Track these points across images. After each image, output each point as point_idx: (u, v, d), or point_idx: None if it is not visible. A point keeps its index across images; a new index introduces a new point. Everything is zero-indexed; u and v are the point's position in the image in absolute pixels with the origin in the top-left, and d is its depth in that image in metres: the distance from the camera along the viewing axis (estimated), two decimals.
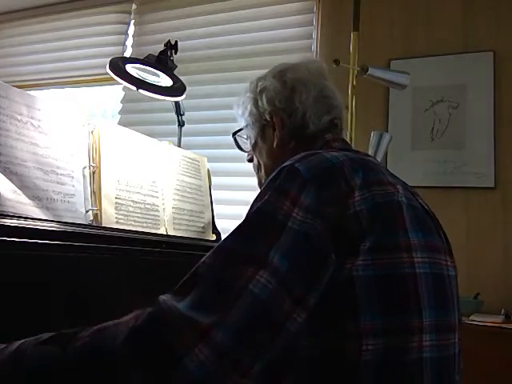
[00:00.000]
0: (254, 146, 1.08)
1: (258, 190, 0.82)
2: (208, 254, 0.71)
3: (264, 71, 1.11)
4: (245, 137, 1.14)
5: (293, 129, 1.00)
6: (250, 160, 1.13)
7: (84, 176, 1.20)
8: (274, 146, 1.02)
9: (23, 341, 0.70)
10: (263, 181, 1.07)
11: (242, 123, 1.11)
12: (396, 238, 0.77)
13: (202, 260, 0.70)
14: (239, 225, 0.74)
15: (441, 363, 0.77)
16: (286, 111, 1.00)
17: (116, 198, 1.25)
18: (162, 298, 0.68)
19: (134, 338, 0.64)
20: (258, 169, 1.10)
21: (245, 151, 1.16)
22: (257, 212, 0.74)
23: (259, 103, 1.03)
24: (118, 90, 3.12)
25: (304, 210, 0.72)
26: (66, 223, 1.00)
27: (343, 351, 0.72)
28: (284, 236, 0.70)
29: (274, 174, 0.80)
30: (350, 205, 0.75)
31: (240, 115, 1.10)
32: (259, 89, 1.04)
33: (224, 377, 0.61)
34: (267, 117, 1.02)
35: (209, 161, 1.69)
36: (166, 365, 0.61)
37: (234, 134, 1.18)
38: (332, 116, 1.01)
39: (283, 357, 0.70)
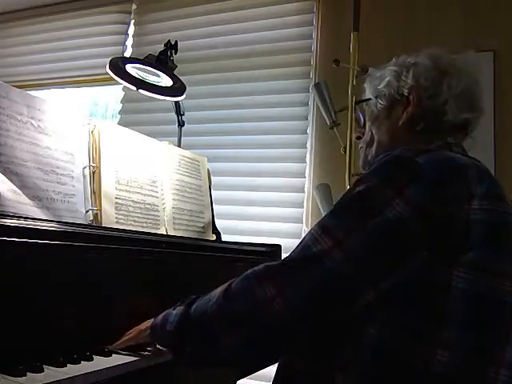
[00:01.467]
0: (374, 120, 1.02)
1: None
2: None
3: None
4: (365, 109, 1.08)
5: (428, 111, 0.94)
6: (359, 137, 1.09)
7: (84, 176, 1.20)
8: (400, 123, 0.96)
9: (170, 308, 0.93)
10: (369, 157, 1.03)
11: (370, 94, 1.04)
12: (504, 263, 0.75)
13: (311, 228, 0.82)
14: (340, 201, 0.81)
15: None
16: (428, 91, 0.94)
17: (116, 198, 1.25)
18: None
19: (224, 294, 0.84)
20: (367, 144, 1.04)
21: (360, 125, 1.11)
22: (362, 192, 0.77)
23: (402, 76, 0.98)
24: (117, 90, 3.12)
25: (406, 202, 0.72)
26: (66, 223, 1.00)
27: (415, 354, 0.70)
28: (373, 221, 0.73)
29: (386, 160, 0.78)
30: (465, 210, 0.73)
31: (372, 86, 1.04)
32: (407, 64, 0.99)
33: (292, 326, 0.76)
34: (405, 91, 0.97)
35: (209, 161, 1.69)
36: (250, 310, 0.77)
37: (357, 102, 1.12)
38: (472, 115, 0.95)
39: (350, 338, 0.75)
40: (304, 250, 0.78)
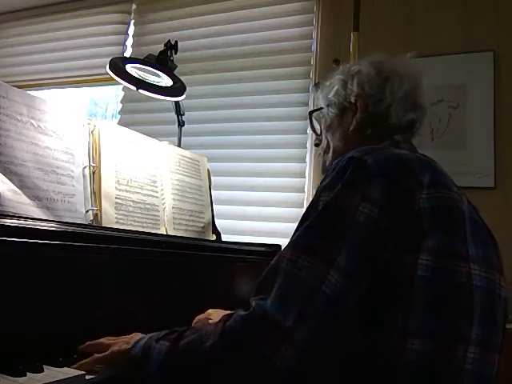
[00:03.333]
0: (329, 128, 1.07)
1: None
2: (285, 247, 0.79)
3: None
4: (319, 120, 1.13)
5: (374, 116, 0.99)
6: (317, 144, 1.13)
7: (84, 176, 1.20)
8: (350, 129, 1.01)
9: (150, 335, 0.86)
10: (327, 164, 1.07)
11: (321, 103, 1.09)
12: (457, 245, 0.78)
13: (280, 254, 0.78)
14: (311, 218, 0.78)
15: (479, 378, 0.76)
16: (373, 97, 1.00)
17: (116, 198, 1.25)
18: (253, 302, 0.75)
19: (223, 341, 0.74)
20: (325, 151, 1.09)
21: (316, 133, 1.15)
22: (327, 206, 0.77)
23: (348, 85, 1.03)
24: (118, 90, 3.12)
25: (371, 203, 0.75)
26: (66, 223, 1.00)
27: (388, 346, 0.72)
28: (351, 231, 0.74)
29: (341, 164, 0.80)
30: (416, 200, 0.76)
31: (323, 96, 1.09)
32: (352, 72, 1.04)
33: (305, 367, 0.71)
34: (352, 99, 1.02)
35: (209, 161, 1.69)
36: (254, 362, 0.71)
37: (311, 113, 1.16)
38: (416, 116, 1.00)
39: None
40: (293, 280, 0.73)
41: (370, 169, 0.77)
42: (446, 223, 0.78)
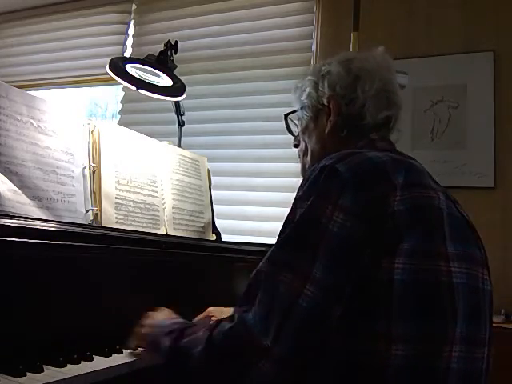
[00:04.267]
0: (305, 130, 1.06)
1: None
2: (263, 259, 0.80)
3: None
4: (296, 121, 1.12)
5: (348, 117, 0.98)
6: (296, 145, 1.12)
7: (84, 176, 1.20)
8: (326, 131, 1.00)
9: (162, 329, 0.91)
10: (307, 167, 1.07)
11: (296, 106, 1.08)
12: (435, 245, 0.77)
13: (259, 267, 0.80)
14: (287, 231, 0.79)
15: (467, 376, 0.76)
16: (345, 98, 0.98)
17: (116, 198, 1.25)
18: (236, 314, 0.79)
19: (208, 350, 0.78)
20: (303, 154, 1.08)
21: (294, 135, 1.14)
22: (302, 219, 0.78)
23: (319, 87, 1.01)
24: (118, 90, 3.12)
25: (344, 213, 0.74)
26: (66, 223, 1.00)
27: (373, 354, 0.72)
28: (326, 240, 0.74)
29: (314, 173, 0.81)
30: (390, 203, 0.75)
31: (296, 98, 1.08)
32: (322, 73, 1.02)
33: (283, 379, 0.73)
34: (325, 101, 1.00)
35: (209, 161, 1.69)
36: (234, 374, 0.74)
37: (286, 115, 1.15)
38: (390, 113, 0.99)
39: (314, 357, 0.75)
40: (271, 295, 0.75)
41: (341, 177, 0.77)
42: (422, 224, 0.77)
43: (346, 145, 0.92)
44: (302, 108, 1.05)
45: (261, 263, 0.80)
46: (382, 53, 1.06)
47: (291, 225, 0.79)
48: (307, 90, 1.03)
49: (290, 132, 1.16)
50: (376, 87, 0.97)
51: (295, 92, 1.08)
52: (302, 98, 1.04)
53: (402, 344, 0.71)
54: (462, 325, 0.76)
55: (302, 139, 1.08)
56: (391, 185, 0.77)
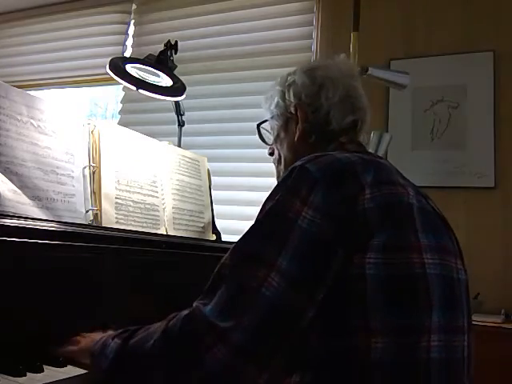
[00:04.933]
0: (276, 139, 1.10)
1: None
2: (227, 253, 0.80)
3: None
4: (269, 130, 1.16)
5: (315, 124, 1.01)
6: (271, 154, 1.15)
7: (84, 176, 1.20)
8: (295, 138, 1.03)
9: (111, 332, 0.88)
10: (281, 174, 1.08)
11: (267, 115, 1.12)
12: (407, 238, 0.79)
13: (223, 261, 0.79)
14: (253, 225, 0.80)
15: (448, 364, 0.78)
16: (310, 106, 1.02)
17: (116, 198, 1.25)
18: (195, 303, 0.77)
19: (163, 340, 0.75)
20: (278, 162, 1.11)
21: (267, 144, 1.17)
22: (269, 212, 0.80)
23: (286, 96, 1.05)
24: (118, 90, 3.12)
25: (313, 209, 0.75)
26: (66, 223, 1.00)
27: (354, 349, 0.73)
28: (293, 235, 0.74)
29: (285, 173, 0.83)
30: (360, 202, 0.77)
31: (267, 107, 1.11)
32: (288, 82, 1.06)
33: (239, 371, 0.70)
34: (292, 109, 1.04)
35: (209, 161, 1.69)
36: (189, 362, 0.72)
37: (259, 125, 1.18)
38: (356, 117, 1.02)
39: (293, 357, 0.74)
40: (234, 286, 0.74)
41: (311, 175, 0.79)
42: (392, 219, 0.78)
43: (316, 150, 0.93)
44: (272, 117, 1.09)
45: (224, 256, 0.80)
46: (345, 61, 1.11)
47: (257, 218, 0.81)
48: (275, 99, 1.07)
49: (263, 141, 1.19)
50: (339, 94, 1.01)
51: (266, 102, 1.12)
52: (272, 108, 1.09)
53: (381, 337, 0.73)
54: (439, 314, 0.77)
55: (275, 148, 1.11)
56: (360, 184, 0.79)
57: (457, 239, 0.91)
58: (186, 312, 0.76)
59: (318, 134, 1.02)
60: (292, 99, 1.04)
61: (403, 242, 0.78)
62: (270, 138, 1.16)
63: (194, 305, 0.76)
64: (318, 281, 0.74)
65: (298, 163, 0.82)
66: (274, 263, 0.73)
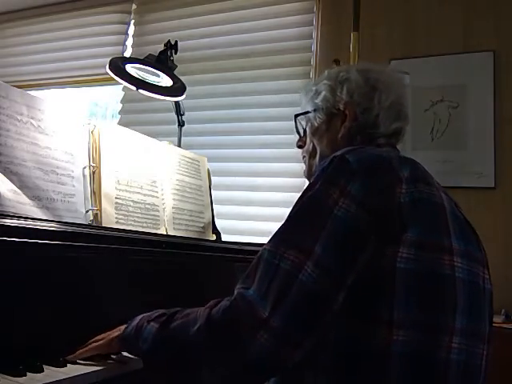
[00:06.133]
0: (315, 132, 1.08)
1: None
2: (269, 239, 0.83)
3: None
4: (303, 123, 1.14)
5: (363, 125, 1.01)
6: (301, 146, 1.14)
7: (84, 176, 1.20)
8: (339, 136, 1.03)
9: (142, 315, 0.91)
10: (314, 169, 1.08)
11: (308, 107, 1.10)
12: (440, 238, 0.80)
13: (264, 246, 0.82)
14: (293, 211, 0.82)
15: (466, 368, 0.78)
16: (361, 106, 1.01)
17: (116, 198, 1.25)
18: (236, 289, 0.79)
19: (207, 326, 0.78)
20: (310, 155, 1.10)
21: (300, 135, 1.16)
22: (309, 199, 0.81)
23: (337, 92, 1.04)
24: (118, 90, 3.12)
25: (350, 199, 0.77)
26: (66, 223, 1.00)
27: (374, 337, 0.74)
28: (329, 224, 0.76)
29: (325, 163, 0.84)
30: (397, 195, 0.78)
31: (309, 99, 1.10)
32: (340, 79, 1.05)
33: (279, 353, 0.74)
34: (341, 106, 1.03)
35: (209, 161, 1.69)
36: (233, 348, 0.75)
37: (296, 116, 1.16)
38: (400, 124, 1.03)
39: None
40: (273, 270, 0.77)
41: (350, 166, 0.80)
42: (426, 217, 0.79)
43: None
44: (315, 110, 1.07)
45: (265, 244, 0.82)
46: (395, 69, 1.12)
47: (297, 206, 0.82)
48: (323, 93, 1.06)
49: (298, 132, 1.17)
50: (391, 100, 1.01)
51: (307, 94, 1.11)
52: (317, 101, 1.07)
53: (404, 330, 0.73)
54: (463, 318, 0.78)
55: (309, 140, 1.10)
56: (397, 177, 0.80)
57: (484, 248, 0.91)
58: (228, 299, 0.79)
59: (363, 135, 1.01)
60: (344, 96, 1.02)
61: (436, 242, 0.79)
62: (302, 130, 1.15)
63: (236, 291, 0.79)
64: (350, 268, 0.75)
65: (338, 153, 0.83)
66: (311, 250, 0.75)
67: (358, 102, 1.01)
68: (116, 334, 0.93)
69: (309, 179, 1.07)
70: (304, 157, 1.13)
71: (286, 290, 0.74)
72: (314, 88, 1.09)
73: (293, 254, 0.76)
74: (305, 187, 0.85)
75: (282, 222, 0.83)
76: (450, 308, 0.77)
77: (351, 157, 0.81)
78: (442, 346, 0.75)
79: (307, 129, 1.11)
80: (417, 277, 0.75)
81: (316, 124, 1.07)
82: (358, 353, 0.75)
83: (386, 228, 0.76)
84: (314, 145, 1.08)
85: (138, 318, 0.91)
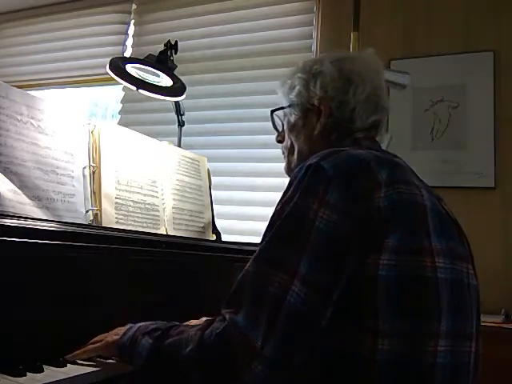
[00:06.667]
0: (292, 128, 1.05)
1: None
2: (250, 260, 0.80)
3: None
4: (281, 117, 1.11)
5: (339, 120, 0.97)
6: (280, 141, 1.11)
7: (84, 176, 1.20)
8: (315, 132, 0.99)
9: (139, 326, 0.90)
10: (292, 165, 1.05)
11: (283, 102, 1.07)
12: (420, 240, 0.78)
13: (246, 267, 0.79)
14: (273, 229, 0.79)
15: (454, 369, 0.77)
16: (335, 100, 0.97)
17: (116, 198, 1.25)
18: (225, 314, 0.77)
19: (199, 351, 0.77)
20: (289, 151, 1.07)
21: (278, 131, 1.13)
22: (288, 215, 0.78)
23: (310, 86, 1.00)
24: (118, 90, 3.12)
25: (330, 209, 0.75)
26: (66, 223, 1.00)
27: (359, 349, 0.73)
28: (312, 237, 0.74)
29: (300, 172, 0.81)
30: (376, 200, 0.76)
31: (284, 94, 1.06)
32: (313, 71, 1.01)
33: (273, 377, 0.73)
34: (315, 102, 0.99)
35: (209, 161, 1.69)
36: (226, 375, 0.75)
37: (273, 112, 1.14)
38: (378, 117, 0.99)
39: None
40: (259, 294, 0.75)
41: (326, 173, 0.78)
42: (406, 220, 0.78)
43: (333, 145, 0.92)
44: (290, 106, 1.04)
45: (248, 263, 0.80)
46: (372, 55, 1.05)
47: (278, 222, 0.79)
48: (297, 88, 1.02)
49: (276, 128, 1.15)
50: (367, 92, 0.97)
51: (282, 87, 1.07)
52: (291, 96, 1.03)
53: (388, 339, 0.72)
54: (448, 320, 0.77)
55: (287, 136, 1.07)
56: (376, 181, 0.78)
57: (468, 243, 0.90)
58: (220, 321, 0.77)
59: (340, 131, 0.97)
60: (318, 91, 0.98)
61: (416, 245, 0.77)
62: (280, 124, 1.12)
63: (227, 316, 0.76)
64: (336, 279, 0.74)
65: (313, 160, 0.81)
66: (296, 268, 0.73)
67: (333, 97, 0.97)
68: (114, 338, 0.92)
69: (289, 175, 1.04)
70: (283, 152, 1.10)
71: (275, 316, 0.72)
72: (289, 81, 1.05)
73: (278, 274, 0.74)
74: (282, 194, 0.82)
75: (263, 240, 0.81)
76: (433, 312, 0.75)
77: (326, 163, 0.79)
78: (428, 351, 0.74)
79: (285, 124, 1.08)
80: (398, 283, 0.74)
81: (292, 120, 1.04)
82: (344, 363, 0.74)
83: (367, 235, 0.75)
84: (291, 141, 1.06)
85: (135, 327, 0.90)
